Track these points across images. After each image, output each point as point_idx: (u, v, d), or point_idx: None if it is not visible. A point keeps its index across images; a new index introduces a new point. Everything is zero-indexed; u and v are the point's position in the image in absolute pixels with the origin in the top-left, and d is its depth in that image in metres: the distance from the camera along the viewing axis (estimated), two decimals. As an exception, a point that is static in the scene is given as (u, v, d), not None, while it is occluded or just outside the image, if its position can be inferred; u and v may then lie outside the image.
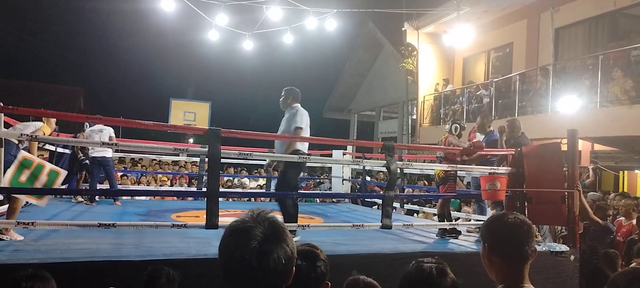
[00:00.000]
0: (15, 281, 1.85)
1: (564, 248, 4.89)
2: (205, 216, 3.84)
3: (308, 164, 10.29)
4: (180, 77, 28.69)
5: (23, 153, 3.78)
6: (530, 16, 11.62)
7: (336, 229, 5.34)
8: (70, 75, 25.41)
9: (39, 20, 27.40)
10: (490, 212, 5.92)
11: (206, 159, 4.07)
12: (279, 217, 1.34)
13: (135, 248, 3.87)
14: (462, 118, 11.72)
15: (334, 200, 10.13)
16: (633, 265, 4.23)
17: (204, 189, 4.34)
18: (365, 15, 15.31)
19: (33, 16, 26.92)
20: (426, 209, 7.99)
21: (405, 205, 8.40)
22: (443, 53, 14.22)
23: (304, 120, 4.76)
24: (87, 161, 7.37)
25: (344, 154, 9.75)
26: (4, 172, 3.66)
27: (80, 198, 7.20)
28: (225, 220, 3.52)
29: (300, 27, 10.71)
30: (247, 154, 4.45)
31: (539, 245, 4.73)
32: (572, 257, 4.82)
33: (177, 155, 11.01)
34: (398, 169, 5.20)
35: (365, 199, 9.61)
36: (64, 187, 7.50)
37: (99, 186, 7.41)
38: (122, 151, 8.76)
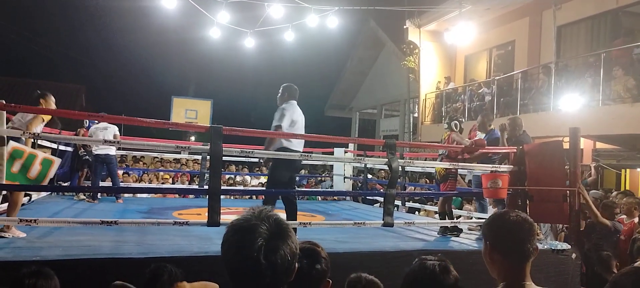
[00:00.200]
0: (18, 278, 1.86)
1: (565, 246, 4.89)
2: (206, 214, 3.85)
3: (309, 162, 10.32)
4: (182, 75, 28.73)
5: (13, 144, 3.70)
6: (532, 14, 11.59)
7: (337, 227, 5.35)
8: (72, 73, 25.47)
9: (41, 18, 27.43)
10: (491, 210, 5.92)
11: (208, 157, 4.08)
12: (281, 215, 1.35)
13: (137, 245, 3.88)
14: (464, 116, 11.71)
15: (335, 198, 10.14)
16: (637, 264, 4.21)
17: (206, 187, 4.36)
18: (366, 13, 15.30)
19: (35, 14, 26.96)
20: (428, 207, 7.99)
21: (406, 203, 8.40)
22: (445, 51, 14.19)
23: (286, 117, 4.71)
24: (88, 157, 7.39)
25: (345, 152, 9.75)
26: None
27: (82, 196, 7.22)
28: (227, 217, 3.53)
29: (302, 25, 10.70)
30: (249, 152, 4.46)
31: (541, 243, 4.73)
32: (574, 255, 4.82)
33: (179, 153, 11.02)
34: (399, 167, 5.20)
35: (367, 197, 9.62)
36: (66, 184, 7.59)
37: (101, 184, 7.43)
38: (124, 149, 8.79)
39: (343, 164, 9.75)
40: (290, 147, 4.71)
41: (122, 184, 8.35)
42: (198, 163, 10.30)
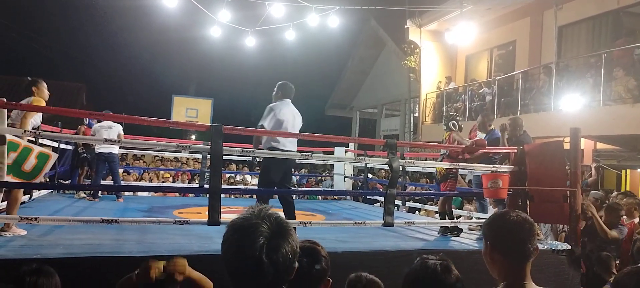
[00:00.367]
0: (19, 276, 1.86)
1: (565, 246, 4.88)
2: (207, 213, 3.85)
3: (309, 161, 10.31)
4: (183, 74, 28.77)
5: (8, 136, 3.63)
6: (534, 14, 11.58)
7: (338, 226, 5.35)
8: (73, 72, 25.51)
9: (41, 17, 27.45)
10: (492, 210, 5.91)
11: (208, 156, 4.08)
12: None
13: (138, 244, 3.89)
14: (464, 116, 11.71)
15: (336, 197, 10.14)
16: None
17: (206, 186, 4.36)
18: (367, 13, 15.29)
19: (35, 13, 26.97)
20: (428, 207, 7.99)
21: (407, 202, 8.40)
22: (445, 51, 14.19)
23: (269, 117, 4.71)
24: (86, 155, 7.39)
25: (345, 152, 9.75)
26: None
27: (82, 194, 7.23)
28: (227, 216, 3.53)
29: (303, 24, 10.70)
30: (250, 151, 4.45)
31: (541, 244, 4.73)
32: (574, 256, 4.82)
33: (180, 152, 11.04)
34: (400, 167, 5.20)
35: (367, 197, 9.62)
36: (66, 182, 7.59)
37: (102, 182, 7.44)
38: (124, 147, 8.79)
39: (343, 164, 9.75)
40: (278, 146, 4.68)
41: (122, 183, 8.36)
42: (198, 162, 10.30)
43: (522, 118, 6.25)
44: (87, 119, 7.58)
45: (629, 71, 8.20)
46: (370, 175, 10.42)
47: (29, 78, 4.47)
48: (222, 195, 3.92)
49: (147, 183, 9.58)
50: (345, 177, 9.71)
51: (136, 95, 27.93)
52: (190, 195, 9.16)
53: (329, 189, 10.35)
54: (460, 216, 7.04)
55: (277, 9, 9.83)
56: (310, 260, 1.80)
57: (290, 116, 4.79)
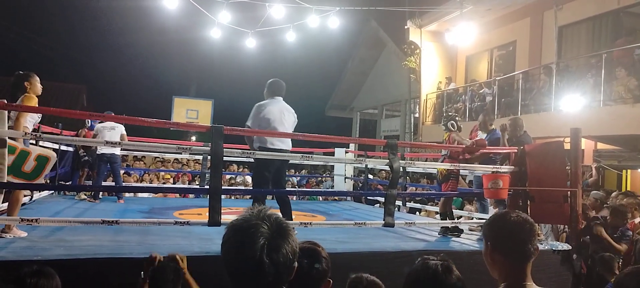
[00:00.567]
0: (20, 277, 1.86)
1: (566, 246, 4.88)
2: (207, 214, 3.85)
3: (310, 162, 10.31)
4: (183, 75, 28.77)
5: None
6: (534, 14, 11.58)
7: (338, 227, 5.34)
8: (73, 73, 25.52)
9: (41, 18, 27.48)
10: (492, 211, 5.91)
11: (209, 157, 4.08)
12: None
13: (138, 245, 3.88)
14: (465, 116, 11.71)
15: (336, 198, 10.14)
16: None
17: (207, 187, 4.35)
18: (367, 13, 15.28)
19: (35, 14, 27.00)
20: (428, 207, 7.99)
21: (407, 203, 8.40)
22: (446, 51, 14.19)
23: (253, 117, 4.74)
24: (88, 158, 7.39)
25: (346, 152, 9.75)
26: None
27: (83, 196, 7.23)
28: (227, 217, 3.53)
29: (303, 25, 10.71)
30: (250, 153, 4.45)
31: (541, 244, 4.72)
32: (575, 256, 4.81)
33: (180, 153, 11.05)
34: (400, 168, 5.20)
35: (368, 197, 9.61)
36: (67, 184, 7.59)
37: (102, 183, 7.44)
38: (125, 149, 8.80)
39: (344, 164, 9.75)
40: (266, 145, 4.69)
41: (123, 184, 8.36)
42: (199, 163, 10.31)
43: (522, 118, 6.25)
44: (89, 122, 7.58)
45: (630, 71, 8.20)
46: (370, 176, 10.42)
47: (21, 72, 4.21)
48: (223, 196, 3.92)
49: (148, 185, 9.58)
50: (345, 178, 9.71)
51: (136, 96, 27.96)
52: (191, 196, 9.16)
53: (330, 190, 10.34)
54: (460, 217, 7.03)
55: (278, 10, 9.83)
56: (311, 261, 1.80)
57: (277, 113, 4.76)
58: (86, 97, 22.36)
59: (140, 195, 8.68)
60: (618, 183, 10.89)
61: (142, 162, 11.52)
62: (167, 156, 10.66)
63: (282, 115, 4.79)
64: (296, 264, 1.22)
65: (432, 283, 1.67)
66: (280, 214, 1.26)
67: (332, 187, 10.30)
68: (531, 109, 10.07)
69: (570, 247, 4.85)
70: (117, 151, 7.14)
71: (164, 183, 10.24)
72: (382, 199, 7.35)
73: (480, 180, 5.63)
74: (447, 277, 1.68)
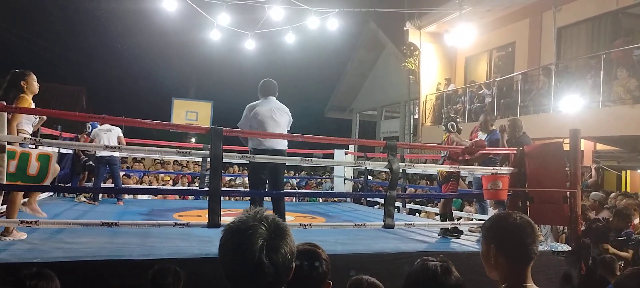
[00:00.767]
0: (19, 279, 1.86)
1: (566, 247, 4.88)
2: (207, 215, 3.85)
3: (310, 164, 10.31)
4: (183, 77, 28.75)
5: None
6: (533, 15, 11.59)
7: (338, 228, 5.34)
8: (73, 75, 25.51)
9: (41, 20, 27.47)
10: (492, 212, 5.91)
11: (208, 159, 4.08)
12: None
13: (138, 247, 3.88)
14: (464, 118, 11.72)
15: (336, 199, 10.14)
16: None
17: (206, 188, 4.35)
18: (367, 15, 15.29)
19: (35, 15, 27.00)
20: (428, 209, 7.99)
21: (407, 204, 8.40)
22: (445, 52, 14.21)
23: (244, 118, 4.76)
24: (90, 162, 7.38)
25: (345, 154, 9.75)
26: None
27: (83, 198, 7.22)
28: (227, 219, 3.53)
29: (302, 27, 10.72)
30: (250, 156, 4.44)
31: (541, 245, 4.72)
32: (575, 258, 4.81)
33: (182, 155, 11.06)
34: (400, 169, 5.20)
35: (367, 199, 9.61)
36: (67, 185, 7.58)
37: (102, 185, 7.43)
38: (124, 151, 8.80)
39: (343, 166, 9.75)
40: (257, 146, 4.69)
41: (123, 186, 8.35)
42: (198, 165, 10.30)
43: (521, 119, 6.26)
44: (90, 127, 7.56)
45: (630, 72, 8.21)
46: (370, 177, 10.42)
47: (17, 70, 4.12)
48: (223, 198, 3.92)
49: (148, 186, 9.58)
50: (345, 179, 9.71)
51: (136, 97, 27.94)
52: (191, 198, 9.16)
53: (329, 191, 10.34)
54: (460, 218, 7.03)
55: (277, 12, 9.84)
56: (311, 263, 1.79)
57: (267, 113, 4.74)
58: (86, 99, 22.36)
59: (139, 197, 8.68)
60: (617, 184, 10.90)
61: (141, 164, 11.52)
62: (167, 158, 10.66)
63: (273, 114, 4.76)
64: (294, 265, 1.23)
65: (431, 285, 1.67)
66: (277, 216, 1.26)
67: (332, 188, 10.30)
68: (530, 110, 10.07)
69: (570, 248, 4.85)
70: (116, 153, 7.13)
71: (163, 185, 10.24)
72: (381, 200, 7.35)
73: (480, 182, 5.63)
74: (446, 278, 1.68)
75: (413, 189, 9.81)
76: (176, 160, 11.32)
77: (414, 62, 14.15)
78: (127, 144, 7.75)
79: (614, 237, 5.21)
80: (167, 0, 9.09)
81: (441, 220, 5.66)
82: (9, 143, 3.62)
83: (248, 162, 4.53)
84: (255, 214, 1.21)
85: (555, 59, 10.27)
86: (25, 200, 4.01)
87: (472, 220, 6.71)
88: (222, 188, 5.12)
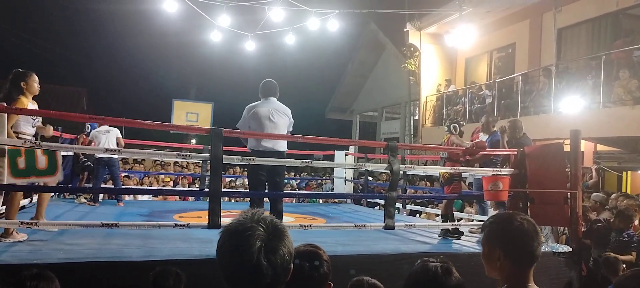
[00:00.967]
0: (19, 281, 1.85)
1: (566, 248, 4.88)
2: (207, 216, 3.84)
3: (310, 165, 10.31)
4: (183, 78, 28.79)
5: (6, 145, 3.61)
6: (533, 16, 11.60)
7: (338, 230, 5.34)
8: (73, 76, 25.51)
9: (41, 21, 27.51)
10: (492, 213, 5.90)
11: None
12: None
13: (138, 248, 3.88)
14: (464, 119, 11.72)
15: (336, 200, 10.14)
16: None
17: (207, 189, 4.35)
18: (367, 16, 15.30)
19: (35, 16, 27.04)
20: (429, 210, 7.98)
21: (407, 205, 8.40)
22: (445, 53, 14.21)
23: (242, 117, 4.78)
24: (89, 163, 7.38)
25: (346, 155, 9.75)
26: None
27: (83, 199, 7.22)
28: (227, 220, 3.53)
29: (303, 28, 10.72)
30: (250, 159, 4.43)
31: (543, 246, 4.71)
32: (575, 259, 4.81)
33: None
34: (401, 171, 5.19)
35: (368, 200, 9.61)
36: (67, 186, 7.58)
37: (102, 186, 7.43)
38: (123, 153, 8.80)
39: (344, 167, 9.75)
40: (254, 147, 4.69)
41: (123, 187, 8.35)
42: (199, 166, 10.31)
43: (521, 120, 6.25)
44: (88, 127, 7.56)
45: (631, 73, 8.20)
46: (370, 178, 10.42)
47: (19, 70, 4.12)
48: (223, 199, 3.92)
49: (148, 187, 9.58)
50: (345, 181, 9.71)
51: (137, 98, 27.96)
52: (191, 199, 9.16)
53: (330, 192, 10.34)
54: (461, 219, 7.03)
55: (277, 13, 9.84)
56: (312, 264, 1.79)
57: (264, 114, 4.73)
58: (86, 100, 22.37)
59: (140, 198, 8.68)
60: (618, 185, 10.89)
61: (141, 165, 11.52)
62: (167, 159, 10.66)
63: (271, 115, 4.74)
64: (292, 265, 1.23)
65: (432, 285, 1.66)
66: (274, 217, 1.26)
67: (332, 189, 10.29)
68: (531, 110, 10.07)
69: (570, 249, 4.85)
70: (115, 154, 7.14)
71: (163, 186, 10.24)
72: (382, 201, 7.35)
73: (480, 183, 5.63)
74: (447, 279, 1.67)
75: (412, 190, 9.80)
76: (176, 161, 11.32)
77: (415, 63, 14.16)
78: (127, 145, 7.75)
79: (616, 238, 5.20)
80: (167, 1, 9.10)
81: (443, 221, 5.65)
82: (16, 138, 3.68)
83: (247, 163, 4.51)
84: (252, 215, 1.21)
85: (556, 60, 10.26)
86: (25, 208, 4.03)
87: (472, 221, 6.70)
88: (222, 190, 5.12)
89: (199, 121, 17.71)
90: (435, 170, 6.69)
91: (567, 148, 5.29)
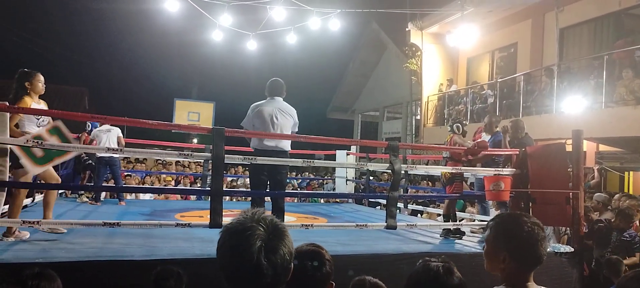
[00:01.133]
0: (21, 280, 1.86)
1: (568, 249, 4.87)
2: (209, 216, 3.84)
3: (311, 164, 10.30)
4: (184, 78, 28.77)
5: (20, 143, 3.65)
6: (535, 16, 11.58)
7: (340, 229, 5.33)
8: (75, 76, 25.55)
9: (43, 21, 27.54)
10: (493, 212, 5.89)
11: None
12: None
13: (140, 247, 3.88)
14: (466, 118, 11.70)
15: (338, 200, 10.13)
16: None
17: (208, 188, 4.36)
18: (369, 16, 15.30)
19: (37, 16, 27.07)
20: (430, 209, 7.97)
21: (409, 205, 8.39)
22: (447, 53, 14.20)
23: (246, 116, 4.79)
24: (91, 161, 7.40)
25: (347, 154, 9.74)
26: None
27: (85, 198, 7.23)
28: (229, 219, 3.52)
29: (304, 28, 10.71)
30: (252, 158, 4.42)
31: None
32: (577, 259, 4.80)
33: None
34: (402, 171, 5.19)
35: (369, 199, 9.60)
36: (69, 185, 7.60)
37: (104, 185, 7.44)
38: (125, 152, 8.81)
39: (345, 167, 9.74)
40: (256, 146, 4.69)
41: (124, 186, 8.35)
42: (200, 166, 10.31)
43: (523, 120, 6.24)
44: (89, 125, 7.58)
45: (634, 73, 8.18)
46: (372, 178, 10.41)
47: (25, 70, 4.14)
48: (225, 198, 3.92)
49: (149, 186, 9.59)
50: (347, 180, 9.70)
51: (138, 98, 28.00)
52: (192, 198, 9.16)
53: (331, 192, 10.33)
54: (462, 219, 7.02)
55: (279, 13, 9.84)
56: (314, 263, 1.79)
57: (267, 114, 4.71)
58: (88, 100, 22.40)
59: (142, 197, 8.69)
60: (620, 185, 10.86)
61: (143, 164, 11.53)
62: (169, 158, 10.67)
63: (275, 115, 4.73)
64: (293, 265, 1.22)
65: (433, 285, 1.66)
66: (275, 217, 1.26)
67: (334, 189, 10.29)
68: (533, 110, 10.06)
69: (572, 249, 4.84)
70: (116, 154, 7.15)
71: (165, 185, 10.24)
72: (383, 201, 7.33)
73: (482, 183, 5.62)
74: (448, 279, 1.67)
75: (414, 190, 9.79)
76: (178, 161, 11.32)
77: (416, 63, 14.15)
78: (129, 144, 7.76)
79: (617, 238, 5.19)
80: (169, 0, 9.10)
81: (444, 221, 5.65)
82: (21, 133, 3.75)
83: (249, 163, 4.51)
84: (253, 215, 1.20)
85: (558, 60, 10.25)
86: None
87: (474, 221, 6.69)
88: (224, 189, 5.12)
89: (201, 120, 17.71)
90: (436, 170, 6.68)
91: (569, 148, 5.28)
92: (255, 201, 4.87)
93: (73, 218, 5.48)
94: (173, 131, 14.94)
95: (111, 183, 7.80)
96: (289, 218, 5.96)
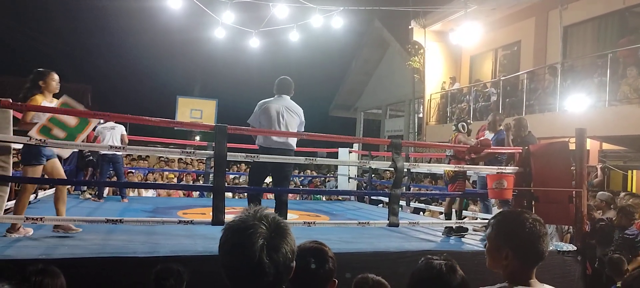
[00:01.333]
0: (25, 276, 1.87)
1: (571, 247, 4.86)
2: (211, 213, 3.85)
3: (313, 162, 10.30)
4: (187, 75, 28.76)
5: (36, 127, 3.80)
6: (539, 14, 11.53)
7: (342, 227, 5.34)
8: (78, 74, 25.57)
9: (46, 18, 27.59)
10: (495, 211, 5.88)
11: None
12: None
13: (142, 244, 3.90)
14: (469, 116, 11.68)
15: (340, 198, 10.13)
16: None
17: (211, 184, 4.36)
18: (371, 13, 15.28)
19: (40, 14, 27.12)
20: (432, 207, 7.97)
21: (411, 203, 8.38)
22: (450, 51, 14.16)
23: (254, 114, 4.79)
24: (91, 157, 7.42)
25: (350, 152, 9.74)
26: None
27: (88, 195, 7.26)
28: (231, 217, 3.52)
29: (307, 25, 10.70)
30: (254, 156, 4.43)
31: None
32: (579, 257, 4.79)
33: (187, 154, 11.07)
34: (404, 168, 5.18)
35: (371, 197, 9.60)
36: (73, 180, 7.60)
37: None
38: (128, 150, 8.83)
39: (347, 164, 9.73)
40: (263, 144, 4.69)
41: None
42: (203, 163, 10.32)
43: (527, 118, 6.22)
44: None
45: (638, 70, 8.14)
46: (374, 176, 10.40)
47: (39, 69, 4.21)
48: (227, 195, 3.93)
49: (152, 182, 9.61)
50: (349, 178, 9.70)
51: (141, 96, 28.03)
52: (195, 196, 9.18)
53: (333, 189, 10.34)
54: (465, 217, 7.01)
55: (281, 10, 9.84)
56: (317, 261, 1.79)
57: (273, 112, 4.71)
58: (91, 97, 22.43)
59: (144, 194, 8.71)
60: (623, 184, 10.81)
61: (146, 162, 11.56)
62: (171, 155, 10.68)
63: (281, 113, 4.73)
64: (294, 263, 1.22)
65: (436, 283, 1.66)
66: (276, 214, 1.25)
67: (336, 187, 10.29)
68: (536, 109, 10.02)
69: (575, 248, 4.83)
70: (119, 151, 7.17)
71: (167, 182, 10.26)
72: (385, 199, 7.33)
73: (485, 181, 5.61)
74: (451, 277, 1.67)
75: (416, 188, 9.78)
76: (181, 158, 11.34)
77: (419, 61, 14.12)
78: (132, 142, 7.77)
79: (619, 236, 5.18)
80: (171, -2, 9.11)
81: (446, 219, 5.64)
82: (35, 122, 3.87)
83: (252, 160, 4.52)
84: (255, 213, 1.20)
85: (561, 58, 10.21)
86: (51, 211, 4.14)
87: (476, 219, 6.69)
88: (227, 186, 5.12)
89: (203, 118, 17.70)
90: (439, 168, 6.67)
91: (572, 146, 5.26)
92: (254, 199, 4.86)
93: (76, 214, 5.50)
94: (176, 128, 14.97)
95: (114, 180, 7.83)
96: (291, 216, 5.97)
